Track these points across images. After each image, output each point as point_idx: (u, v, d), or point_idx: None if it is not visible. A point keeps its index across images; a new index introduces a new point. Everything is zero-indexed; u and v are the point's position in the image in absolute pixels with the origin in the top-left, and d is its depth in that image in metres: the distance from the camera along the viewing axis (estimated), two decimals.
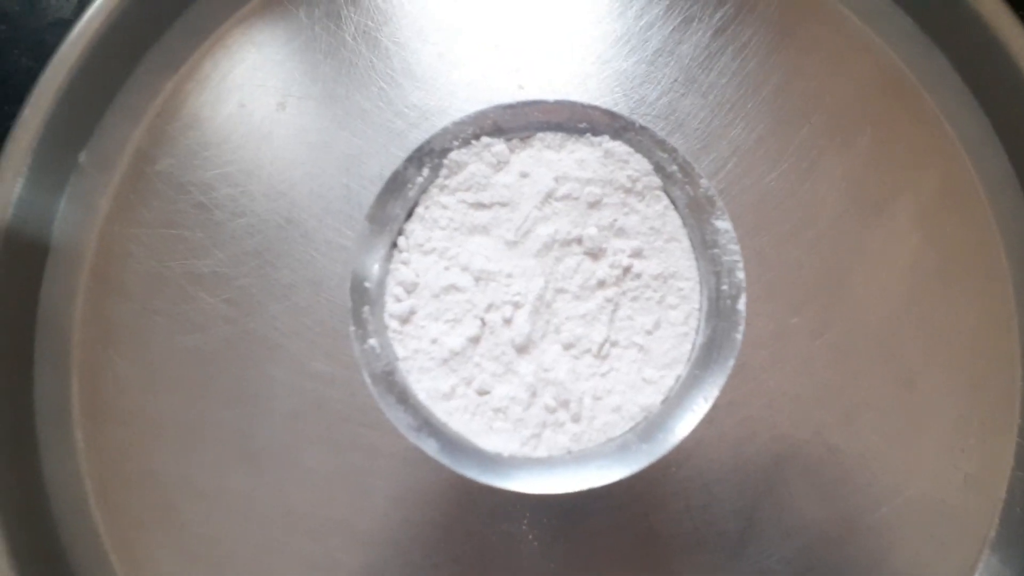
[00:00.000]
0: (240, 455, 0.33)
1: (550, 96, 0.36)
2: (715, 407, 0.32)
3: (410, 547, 0.32)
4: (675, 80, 0.37)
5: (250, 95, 0.37)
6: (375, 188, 0.35)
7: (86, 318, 0.34)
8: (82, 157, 0.36)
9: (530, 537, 0.32)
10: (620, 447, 0.32)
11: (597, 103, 0.36)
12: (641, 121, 0.35)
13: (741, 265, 0.33)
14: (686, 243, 0.35)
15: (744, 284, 0.33)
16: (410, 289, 0.34)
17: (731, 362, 0.32)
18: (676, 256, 0.35)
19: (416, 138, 0.35)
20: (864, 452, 0.33)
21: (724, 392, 0.32)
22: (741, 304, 0.33)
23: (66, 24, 0.35)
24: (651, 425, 0.33)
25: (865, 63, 0.38)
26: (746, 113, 0.37)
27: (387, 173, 0.35)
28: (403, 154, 0.35)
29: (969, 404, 0.34)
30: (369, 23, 0.38)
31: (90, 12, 0.34)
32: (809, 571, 0.32)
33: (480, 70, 0.37)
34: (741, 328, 0.33)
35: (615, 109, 0.36)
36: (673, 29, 0.38)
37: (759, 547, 0.32)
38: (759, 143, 0.36)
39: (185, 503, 0.32)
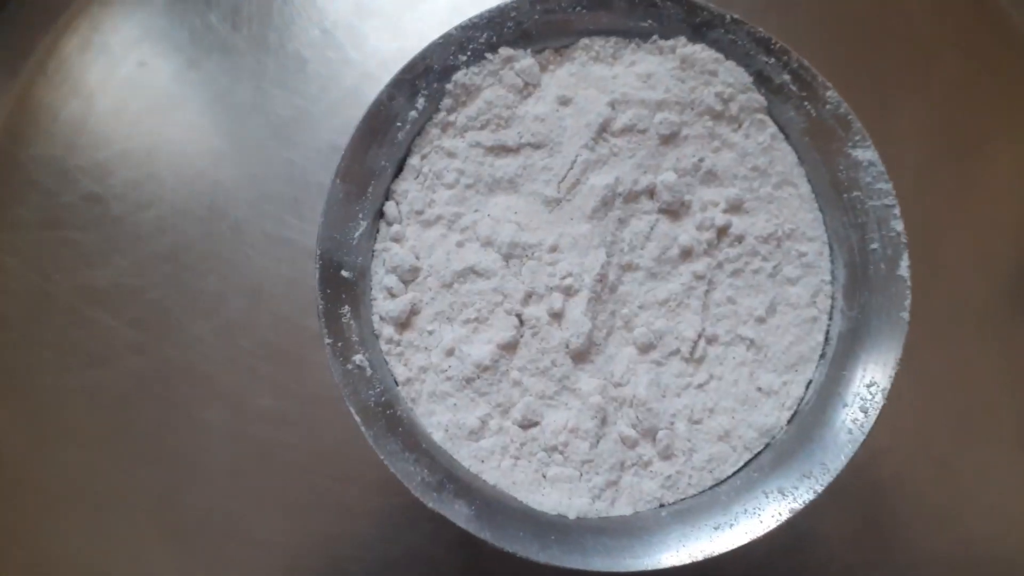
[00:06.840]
0: (165, 530, 0.27)
1: None
2: None
3: None
4: None
5: (152, 50, 0.32)
6: (326, 160, 0.29)
7: None
8: None
9: None
10: (738, 492, 0.24)
11: None
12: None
13: (897, 211, 0.25)
14: (805, 188, 0.27)
15: (905, 238, 0.24)
16: (408, 278, 0.26)
17: (895, 354, 0.24)
18: (793, 207, 0.27)
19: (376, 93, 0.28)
20: (982, 467, 0.28)
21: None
22: (903, 268, 0.24)
23: None
24: (780, 456, 0.24)
25: None
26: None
27: (339, 141, 0.28)
28: (362, 115, 0.27)
29: None
30: None
31: None
32: None
33: (453, 6, 0.32)
34: (907, 303, 0.24)
35: None
36: None
37: None
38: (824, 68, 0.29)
39: None
